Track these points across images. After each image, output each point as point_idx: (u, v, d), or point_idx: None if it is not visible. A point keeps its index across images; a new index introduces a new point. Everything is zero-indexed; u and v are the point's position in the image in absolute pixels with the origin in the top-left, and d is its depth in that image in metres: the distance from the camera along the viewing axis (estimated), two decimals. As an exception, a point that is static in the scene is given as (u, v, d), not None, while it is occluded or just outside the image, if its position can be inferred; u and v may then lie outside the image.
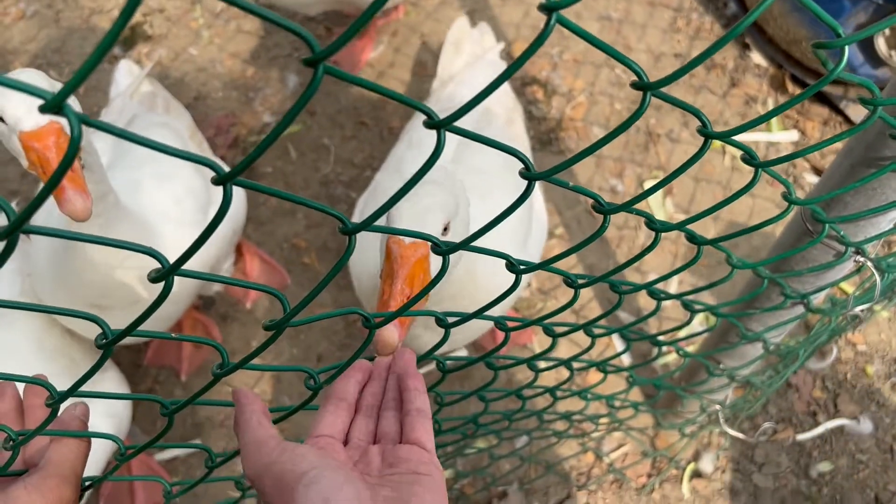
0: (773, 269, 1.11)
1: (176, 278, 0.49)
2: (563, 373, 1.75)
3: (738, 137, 2.42)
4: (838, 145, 2.04)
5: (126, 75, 2.01)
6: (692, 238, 0.78)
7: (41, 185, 1.30)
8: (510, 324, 0.83)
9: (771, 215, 1.99)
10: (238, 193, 1.77)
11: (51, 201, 1.24)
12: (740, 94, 2.57)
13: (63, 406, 0.66)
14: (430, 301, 1.32)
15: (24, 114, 0.99)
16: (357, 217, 1.73)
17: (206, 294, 2.09)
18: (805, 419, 2.00)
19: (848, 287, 2.12)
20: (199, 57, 2.63)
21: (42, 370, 0.75)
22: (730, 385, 1.53)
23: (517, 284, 0.68)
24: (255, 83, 2.57)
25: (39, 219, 1.50)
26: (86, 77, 0.35)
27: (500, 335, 1.96)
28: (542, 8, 0.43)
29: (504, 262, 0.68)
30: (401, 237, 0.88)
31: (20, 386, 0.71)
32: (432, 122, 0.47)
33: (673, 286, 2.15)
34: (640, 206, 2.51)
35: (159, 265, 0.48)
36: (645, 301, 2.16)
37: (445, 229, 1.00)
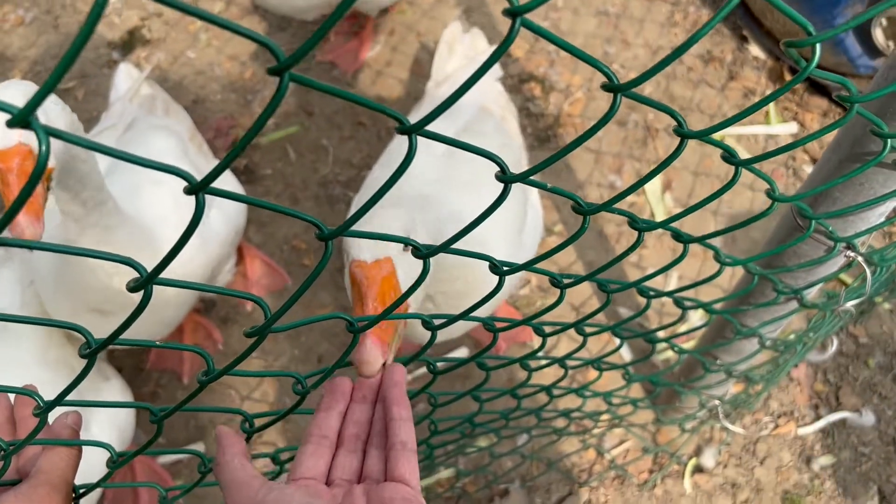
0: (765, 265, 1.11)
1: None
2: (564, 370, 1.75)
3: (740, 128, 2.43)
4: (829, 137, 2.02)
5: (126, 79, 2.01)
6: (678, 236, 0.78)
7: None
8: (498, 324, 0.83)
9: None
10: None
11: (51, 202, 1.24)
12: (739, 87, 2.56)
13: (55, 415, 0.66)
14: (434, 298, 1.33)
15: None
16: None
17: (207, 297, 2.10)
18: (807, 412, 2.00)
19: (850, 280, 2.11)
20: (198, 60, 2.64)
21: (46, 380, 0.75)
22: (728, 380, 1.53)
23: (500, 286, 0.68)
24: (253, 85, 2.58)
25: None
26: (51, 91, 0.35)
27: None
28: (506, 12, 0.43)
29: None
30: (362, 260, 0.88)
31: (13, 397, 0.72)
32: (403, 128, 0.47)
33: (673, 282, 2.15)
34: (640, 200, 2.48)
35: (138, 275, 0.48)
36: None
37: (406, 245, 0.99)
